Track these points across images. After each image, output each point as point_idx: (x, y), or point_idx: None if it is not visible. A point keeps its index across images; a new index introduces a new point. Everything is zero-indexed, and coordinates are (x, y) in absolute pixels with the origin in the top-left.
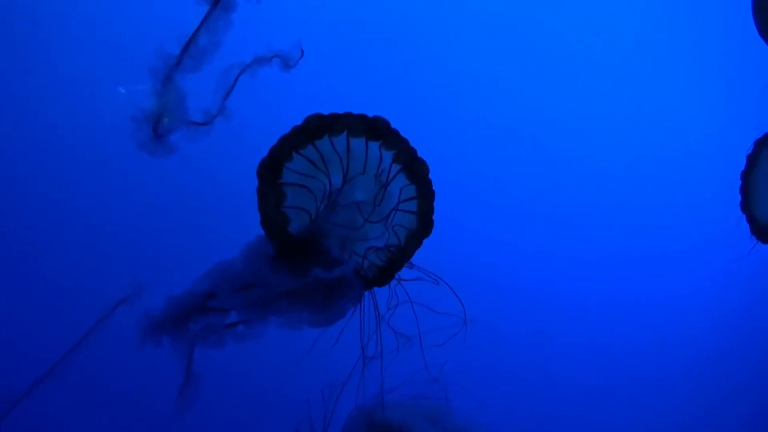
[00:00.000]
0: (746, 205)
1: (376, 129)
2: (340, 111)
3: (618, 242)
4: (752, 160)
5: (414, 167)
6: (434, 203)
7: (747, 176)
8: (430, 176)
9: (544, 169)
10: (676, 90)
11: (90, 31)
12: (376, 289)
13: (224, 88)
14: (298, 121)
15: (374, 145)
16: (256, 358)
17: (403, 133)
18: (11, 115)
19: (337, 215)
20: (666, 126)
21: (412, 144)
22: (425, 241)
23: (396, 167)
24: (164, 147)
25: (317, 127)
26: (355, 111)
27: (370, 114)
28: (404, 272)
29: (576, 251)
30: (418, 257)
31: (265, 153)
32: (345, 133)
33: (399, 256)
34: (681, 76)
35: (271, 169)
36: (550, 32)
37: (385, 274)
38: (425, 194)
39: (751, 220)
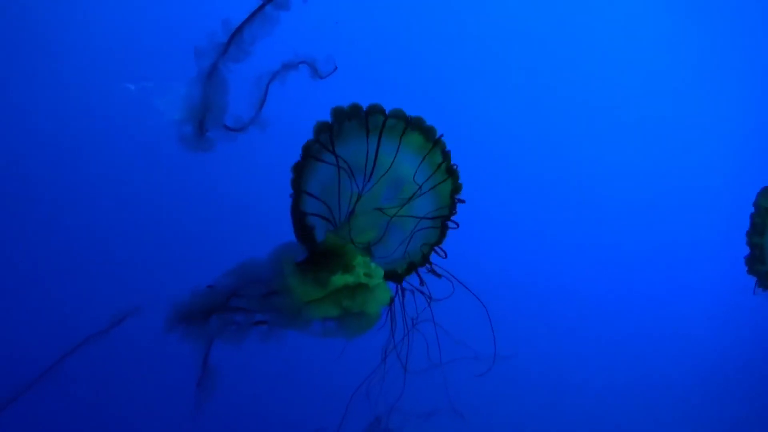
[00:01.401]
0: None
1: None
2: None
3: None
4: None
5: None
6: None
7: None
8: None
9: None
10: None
11: (98, 27)
12: (406, 304)
13: (254, 92)
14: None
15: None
16: (278, 360)
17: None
18: (17, 112)
19: (359, 221)
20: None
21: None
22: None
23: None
24: (205, 143)
25: (349, 113)
26: None
27: None
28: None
29: (603, 279)
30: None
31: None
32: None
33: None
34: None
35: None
36: (584, 44)
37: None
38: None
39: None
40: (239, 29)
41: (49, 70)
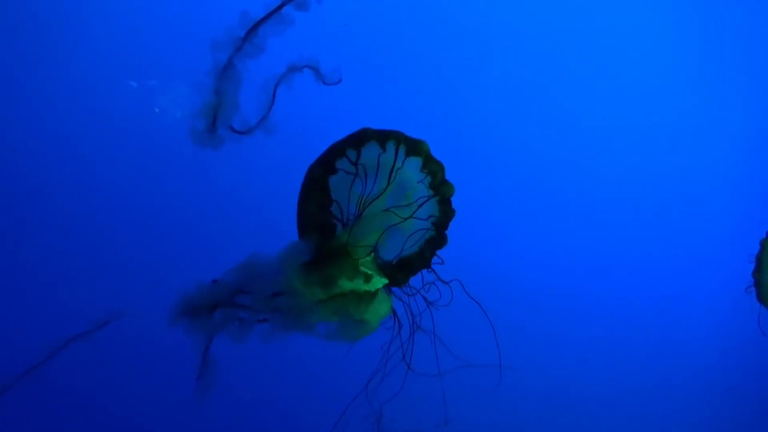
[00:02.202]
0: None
1: (420, 150)
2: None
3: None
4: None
5: (443, 189)
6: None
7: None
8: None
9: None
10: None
11: (101, 25)
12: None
13: (262, 95)
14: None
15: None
16: (277, 358)
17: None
18: (19, 110)
19: (365, 225)
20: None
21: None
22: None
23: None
24: (216, 140)
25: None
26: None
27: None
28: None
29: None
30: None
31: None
32: (395, 151)
33: (418, 258)
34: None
35: (324, 174)
36: (582, 49)
37: (402, 270)
38: (447, 213)
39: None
40: (254, 28)
41: (55, 66)
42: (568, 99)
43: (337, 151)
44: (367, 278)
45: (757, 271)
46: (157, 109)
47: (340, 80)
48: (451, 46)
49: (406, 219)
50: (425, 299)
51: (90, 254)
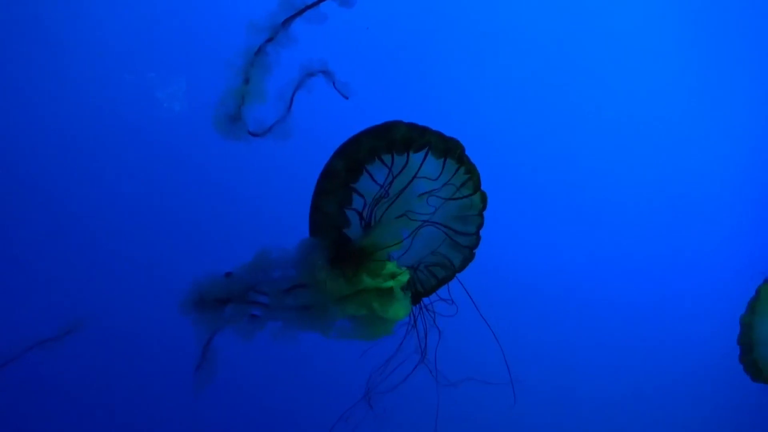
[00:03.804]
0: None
1: (453, 152)
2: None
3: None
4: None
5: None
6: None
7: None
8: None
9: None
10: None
11: (98, 18)
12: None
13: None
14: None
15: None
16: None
17: None
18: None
19: (384, 227)
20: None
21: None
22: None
23: (466, 192)
24: (239, 130)
25: (404, 140)
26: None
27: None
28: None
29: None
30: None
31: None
32: (425, 151)
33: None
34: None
35: (350, 170)
36: (597, 51)
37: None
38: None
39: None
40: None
41: (51, 60)
42: (569, 103)
43: (365, 151)
44: (393, 275)
45: (747, 353)
46: (165, 104)
47: (347, 98)
48: (467, 52)
49: (423, 223)
50: (426, 308)
51: (89, 253)
